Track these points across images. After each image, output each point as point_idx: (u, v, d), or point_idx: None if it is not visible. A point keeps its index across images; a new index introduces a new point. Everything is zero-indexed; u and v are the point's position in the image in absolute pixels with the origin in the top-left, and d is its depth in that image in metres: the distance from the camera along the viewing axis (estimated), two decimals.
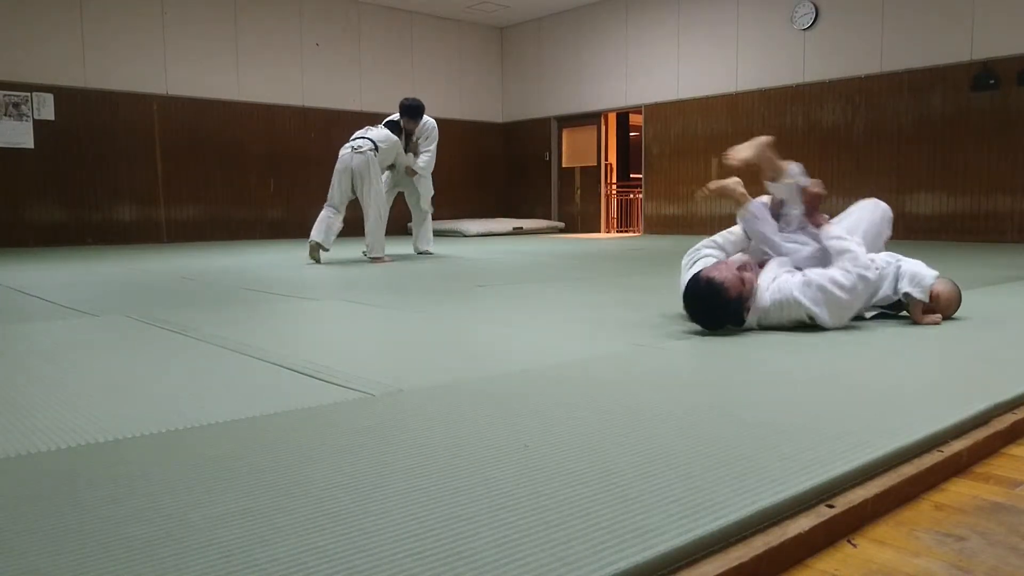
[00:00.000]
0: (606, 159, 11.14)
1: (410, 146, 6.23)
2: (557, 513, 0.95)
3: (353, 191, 5.75)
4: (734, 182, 2.74)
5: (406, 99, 6.21)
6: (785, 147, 8.95)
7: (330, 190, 5.78)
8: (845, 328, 2.38)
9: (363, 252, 5.82)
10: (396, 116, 6.20)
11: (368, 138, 5.81)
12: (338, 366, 1.87)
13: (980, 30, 7.17)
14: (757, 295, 2.34)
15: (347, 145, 5.81)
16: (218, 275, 4.56)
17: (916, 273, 2.42)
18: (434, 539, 0.88)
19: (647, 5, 10.03)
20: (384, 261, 5.65)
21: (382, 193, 5.88)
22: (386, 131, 5.96)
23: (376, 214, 5.68)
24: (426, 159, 6.26)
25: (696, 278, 2.31)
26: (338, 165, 5.80)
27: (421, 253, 6.37)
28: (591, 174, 11.24)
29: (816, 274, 2.33)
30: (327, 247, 5.63)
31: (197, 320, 2.67)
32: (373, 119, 10.96)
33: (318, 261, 5.56)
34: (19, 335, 2.45)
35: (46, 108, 8.15)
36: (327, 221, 5.62)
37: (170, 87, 8.97)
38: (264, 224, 9.76)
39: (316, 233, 5.58)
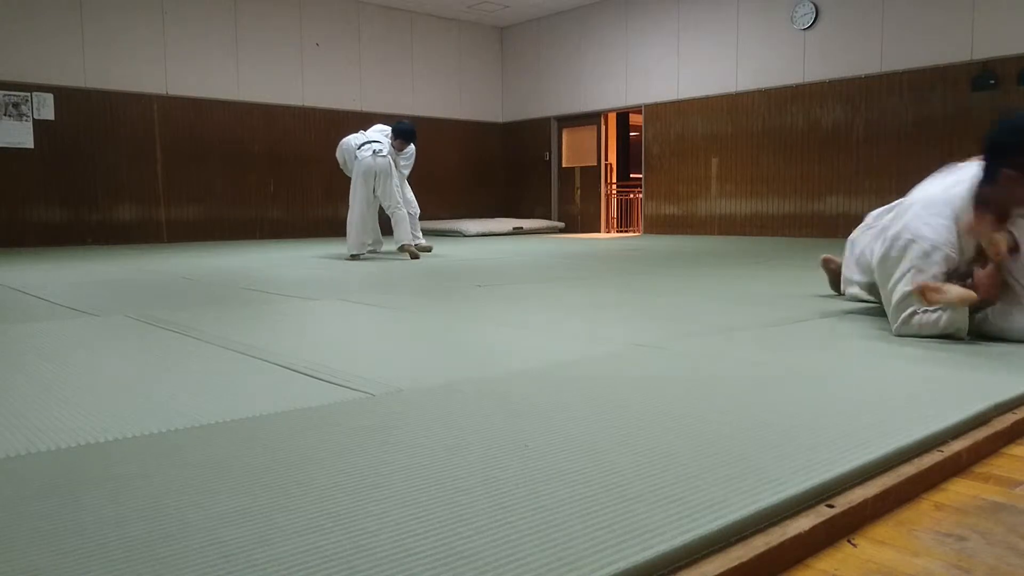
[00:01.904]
0: (606, 159, 11.14)
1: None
2: (557, 513, 0.95)
3: (374, 193, 6.10)
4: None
5: (404, 123, 6.50)
6: (785, 147, 9.00)
7: (352, 199, 6.06)
8: (845, 329, 2.38)
9: (396, 248, 6.18)
10: (381, 127, 6.54)
11: (381, 142, 6.15)
12: (338, 366, 1.87)
13: (980, 30, 7.17)
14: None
15: (367, 149, 6.08)
16: (219, 275, 4.56)
17: None
18: (434, 539, 0.88)
19: (647, 5, 10.03)
20: (411, 249, 6.07)
21: (403, 189, 6.33)
22: (383, 135, 6.32)
23: (404, 209, 6.15)
24: (406, 172, 6.63)
25: None
26: (360, 170, 6.05)
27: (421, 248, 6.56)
28: (591, 174, 11.24)
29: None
30: (363, 252, 6.11)
31: (197, 320, 2.67)
32: (373, 119, 10.98)
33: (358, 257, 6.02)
34: (19, 335, 2.45)
35: (46, 108, 8.15)
36: (360, 235, 6.03)
37: (170, 87, 8.97)
38: (264, 224, 9.77)
39: (354, 247, 5.99)
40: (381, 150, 6.10)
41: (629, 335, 2.32)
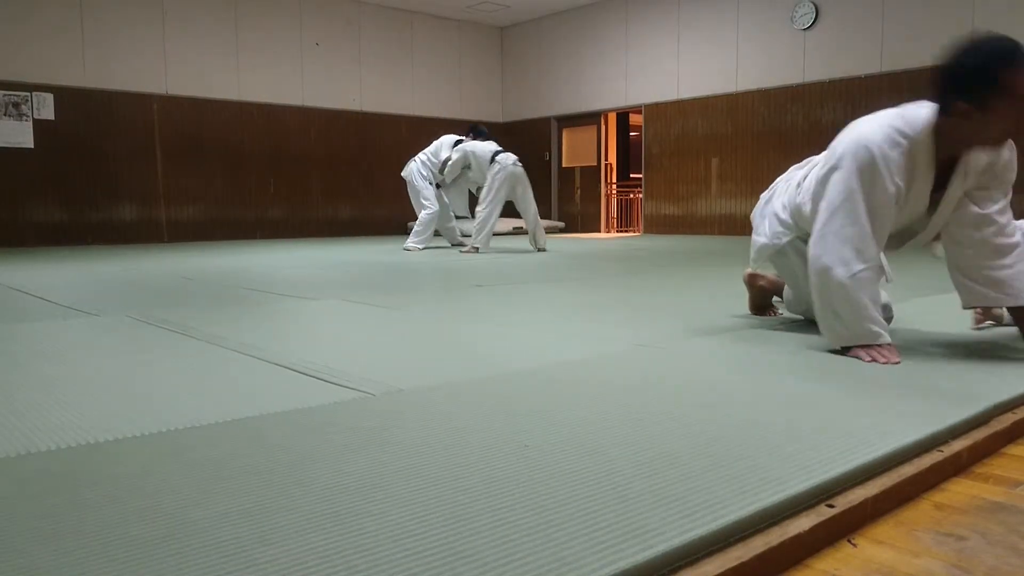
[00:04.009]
0: (606, 159, 11.15)
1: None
2: (557, 513, 0.95)
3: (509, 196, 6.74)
4: None
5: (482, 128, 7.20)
6: (785, 147, 9.01)
7: (491, 201, 6.61)
8: None
9: (538, 247, 6.87)
10: (455, 137, 7.21)
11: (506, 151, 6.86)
12: (338, 366, 1.87)
13: (980, 30, 7.17)
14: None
15: (510, 157, 6.67)
16: (218, 275, 4.56)
17: None
18: (434, 539, 0.88)
19: (647, 5, 10.03)
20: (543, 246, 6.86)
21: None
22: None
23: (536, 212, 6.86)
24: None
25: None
26: (505, 175, 6.60)
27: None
28: (591, 174, 11.24)
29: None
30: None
31: (197, 320, 2.67)
32: (373, 119, 11.00)
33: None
34: (19, 335, 2.45)
35: (46, 108, 8.15)
36: (489, 233, 6.74)
37: (170, 87, 8.97)
38: (264, 224, 9.77)
39: (482, 241, 6.64)
40: (519, 161, 6.71)
41: (630, 335, 2.32)
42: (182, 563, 0.83)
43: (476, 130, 7.04)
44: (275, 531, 0.91)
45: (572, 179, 11.49)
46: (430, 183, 7.16)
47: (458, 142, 7.04)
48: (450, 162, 6.90)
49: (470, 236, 6.97)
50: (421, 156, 7.21)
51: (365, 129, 10.53)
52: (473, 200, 7.09)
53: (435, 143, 7.24)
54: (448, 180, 7.05)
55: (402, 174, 7.34)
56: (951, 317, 2.49)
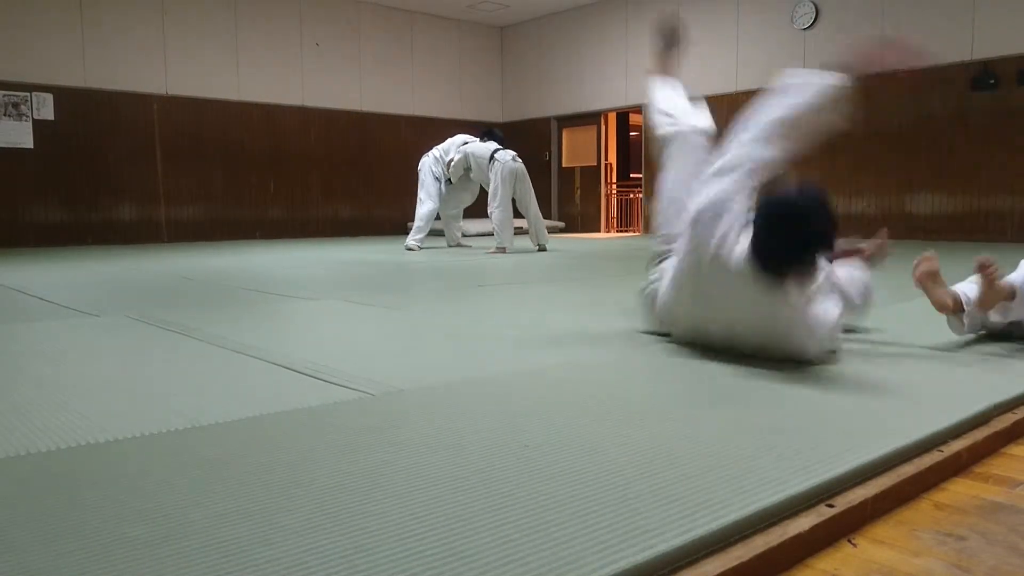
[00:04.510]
0: (606, 159, 11.14)
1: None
2: (557, 513, 0.95)
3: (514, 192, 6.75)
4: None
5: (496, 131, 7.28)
6: None
7: (501, 200, 6.65)
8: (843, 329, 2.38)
9: (539, 245, 6.89)
10: (465, 137, 7.23)
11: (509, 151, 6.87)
12: (338, 366, 1.87)
13: (980, 30, 7.17)
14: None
15: (506, 153, 6.72)
16: (219, 275, 4.56)
17: None
18: (434, 539, 0.88)
19: (647, 5, 10.03)
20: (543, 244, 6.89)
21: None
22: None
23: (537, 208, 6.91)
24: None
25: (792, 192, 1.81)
26: (506, 172, 6.65)
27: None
28: (591, 174, 11.23)
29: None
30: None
31: (197, 320, 2.67)
32: (373, 119, 10.98)
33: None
34: (19, 335, 2.45)
35: (46, 108, 8.15)
36: (510, 231, 6.68)
37: (170, 87, 8.97)
38: (264, 224, 9.76)
39: (507, 240, 6.58)
40: (517, 156, 6.72)
41: (630, 335, 2.32)
42: (182, 563, 0.83)
43: (490, 134, 7.07)
44: (275, 531, 0.91)
45: (572, 179, 11.49)
46: (436, 179, 7.18)
47: (467, 143, 7.07)
48: (453, 163, 6.93)
49: (466, 236, 7.02)
50: (435, 152, 7.24)
51: (365, 129, 10.52)
52: (475, 206, 7.15)
53: (448, 141, 7.26)
54: (453, 179, 7.08)
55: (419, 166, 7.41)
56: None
